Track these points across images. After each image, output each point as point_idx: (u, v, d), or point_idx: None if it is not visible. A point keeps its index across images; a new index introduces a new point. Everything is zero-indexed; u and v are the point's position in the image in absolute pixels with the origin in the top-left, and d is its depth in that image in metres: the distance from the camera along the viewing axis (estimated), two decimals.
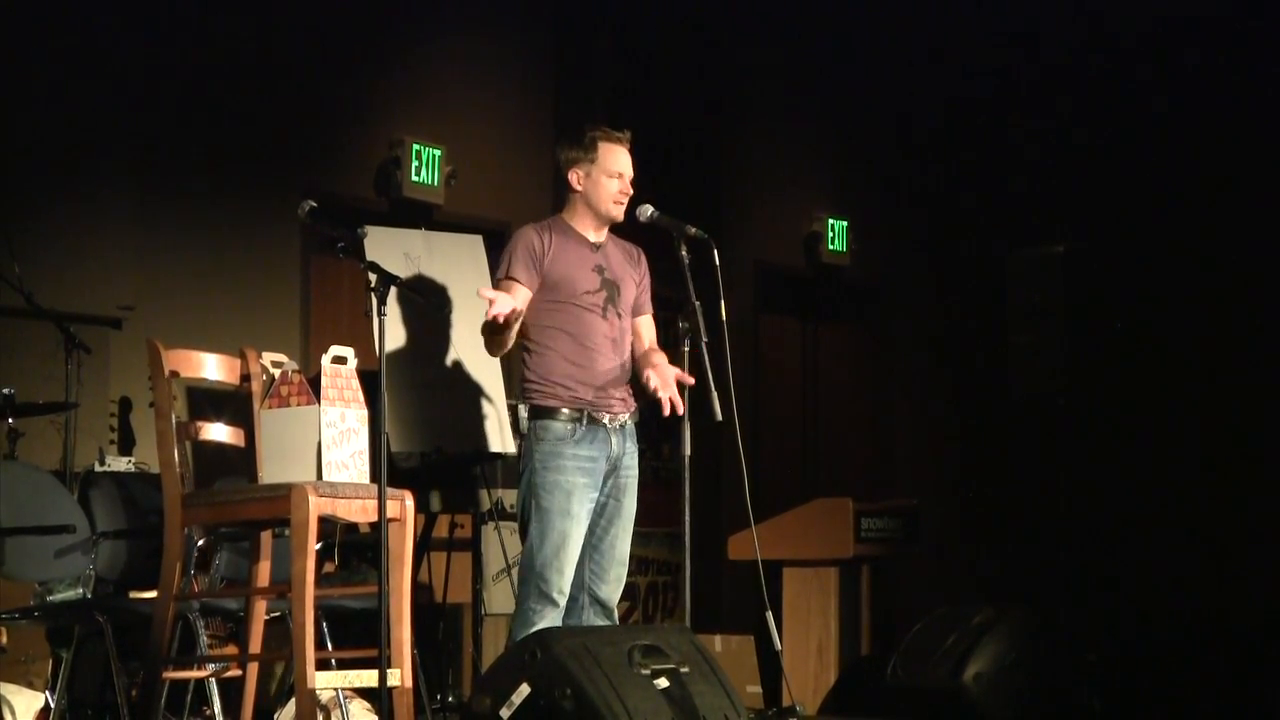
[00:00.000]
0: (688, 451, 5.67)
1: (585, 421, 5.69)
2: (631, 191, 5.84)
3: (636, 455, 5.86)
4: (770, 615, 6.00)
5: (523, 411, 5.74)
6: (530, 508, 5.68)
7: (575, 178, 5.83)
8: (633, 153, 5.88)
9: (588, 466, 5.68)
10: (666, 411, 5.66)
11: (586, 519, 5.70)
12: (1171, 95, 10.43)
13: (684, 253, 5.75)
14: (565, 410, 5.68)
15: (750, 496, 5.86)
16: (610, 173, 5.80)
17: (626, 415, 5.79)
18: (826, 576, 7.66)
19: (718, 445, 6.90)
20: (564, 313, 5.73)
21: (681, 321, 5.75)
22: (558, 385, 5.70)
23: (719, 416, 5.58)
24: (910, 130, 11.14)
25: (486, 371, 6.74)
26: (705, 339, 5.67)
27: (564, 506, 5.64)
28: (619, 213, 5.84)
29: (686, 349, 5.74)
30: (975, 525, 10.65)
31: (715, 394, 5.58)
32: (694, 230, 5.75)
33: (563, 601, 5.66)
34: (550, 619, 5.59)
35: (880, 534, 7.74)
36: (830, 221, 10.88)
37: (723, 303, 5.67)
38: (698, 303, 5.70)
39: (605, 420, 5.72)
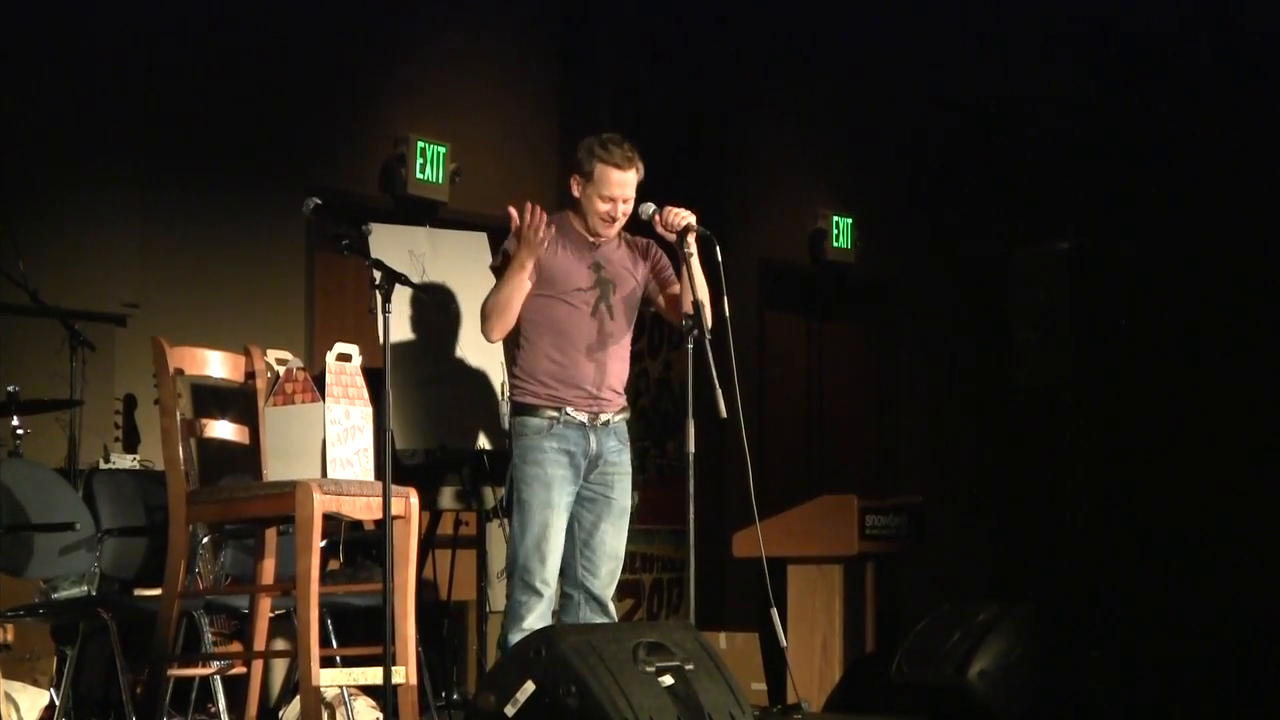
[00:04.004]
0: (691, 448, 5.67)
1: (563, 419, 5.71)
2: (624, 216, 5.82)
3: (626, 452, 5.86)
4: (775, 612, 6.00)
5: (504, 408, 5.78)
6: (513, 502, 5.71)
7: (574, 184, 5.85)
8: (639, 169, 5.81)
9: (565, 460, 5.71)
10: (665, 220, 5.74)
11: (567, 509, 5.73)
12: (1176, 92, 10.41)
13: (687, 250, 5.75)
14: (544, 408, 5.71)
15: (754, 493, 5.85)
16: (602, 195, 5.79)
17: (611, 414, 5.80)
18: (831, 574, 7.66)
19: (722, 442, 6.89)
20: (552, 308, 5.74)
21: (685, 319, 5.76)
22: (538, 383, 5.73)
23: (724, 413, 5.58)
24: (915, 127, 11.12)
25: (491, 368, 6.74)
26: (709, 335, 5.67)
27: (544, 498, 5.68)
28: (606, 231, 5.84)
29: (691, 345, 5.74)
30: (980, 522, 10.64)
31: (719, 390, 5.58)
32: (697, 227, 5.75)
33: (547, 592, 5.69)
34: (537, 610, 5.63)
35: (885, 531, 7.73)
36: (835, 218, 10.87)
37: (725, 299, 5.67)
38: (702, 299, 5.71)
39: (584, 419, 5.73)
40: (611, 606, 5.86)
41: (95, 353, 6.89)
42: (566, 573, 5.81)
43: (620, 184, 5.78)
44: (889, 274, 11.30)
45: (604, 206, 5.79)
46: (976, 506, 10.70)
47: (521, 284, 5.68)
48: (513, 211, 5.66)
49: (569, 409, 5.72)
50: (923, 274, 11.28)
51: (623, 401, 5.88)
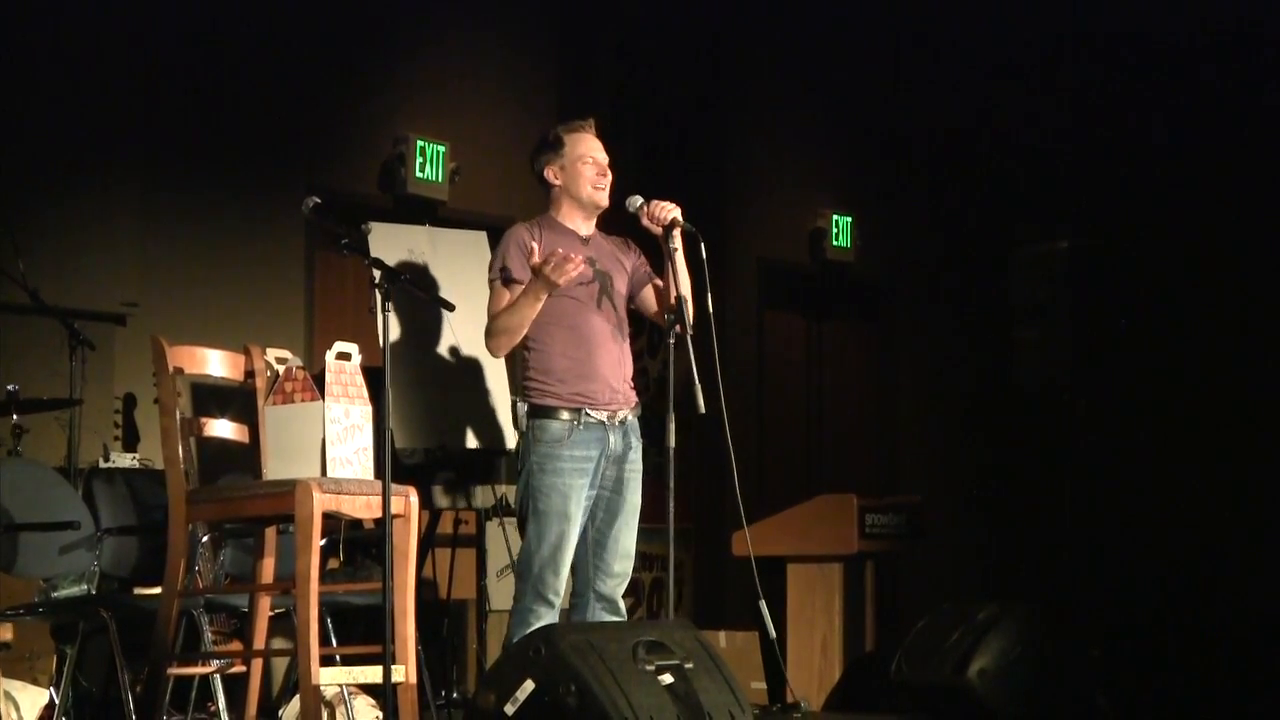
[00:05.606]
0: (671, 443, 5.65)
1: (583, 420, 5.69)
2: (609, 175, 5.86)
3: (641, 450, 5.85)
4: (764, 604, 6.00)
5: (521, 408, 5.75)
6: (528, 508, 5.69)
7: (552, 173, 5.85)
8: (601, 137, 5.90)
9: (584, 467, 5.68)
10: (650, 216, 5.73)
11: (584, 517, 5.71)
12: (1175, 91, 10.42)
13: (672, 244, 5.75)
14: (563, 411, 5.68)
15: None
16: (582, 159, 5.82)
17: (627, 411, 5.78)
18: (831, 573, 7.66)
19: (720, 441, 6.89)
20: (560, 306, 5.71)
21: (667, 313, 5.76)
22: (557, 382, 5.70)
23: (702, 409, 5.58)
24: (914, 126, 11.12)
25: (490, 367, 6.74)
26: (690, 332, 5.67)
27: (561, 509, 5.65)
28: (601, 198, 5.85)
29: (672, 340, 5.74)
30: (980, 521, 10.65)
31: (699, 386, 5.57)
32: (681, 222, 5.75)
33: (558, 603, 5.68)
34: (547, 619, 5.60)
35: (885, 530, 7.73)
36: (835, 217, 10.86)
37: (709, 295, 5.66)
38: (685, 294, 5.71)
39: (604, 418, 5.72)
40: (622, 605, 5.83)
41: (95, 352, 6.89)
42: (578, 572, 5.77)
43: (594, 144, 5.86)
44: (888, 273, 11.29)
45: (592, 170, 5.82)
46: (976, 506, 10.71)
47: (535, 311, 5.65)
48: (535, 246, 5.63)
49: (588, 409, 5.69)
50: (923, 273, 11.28)
51: (635, 397, 5.88)
